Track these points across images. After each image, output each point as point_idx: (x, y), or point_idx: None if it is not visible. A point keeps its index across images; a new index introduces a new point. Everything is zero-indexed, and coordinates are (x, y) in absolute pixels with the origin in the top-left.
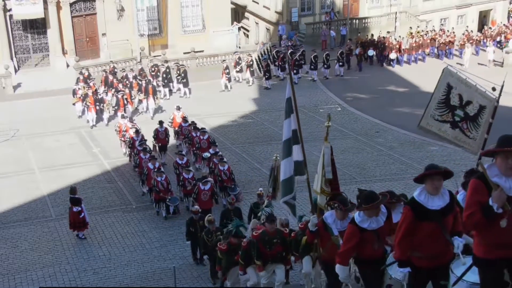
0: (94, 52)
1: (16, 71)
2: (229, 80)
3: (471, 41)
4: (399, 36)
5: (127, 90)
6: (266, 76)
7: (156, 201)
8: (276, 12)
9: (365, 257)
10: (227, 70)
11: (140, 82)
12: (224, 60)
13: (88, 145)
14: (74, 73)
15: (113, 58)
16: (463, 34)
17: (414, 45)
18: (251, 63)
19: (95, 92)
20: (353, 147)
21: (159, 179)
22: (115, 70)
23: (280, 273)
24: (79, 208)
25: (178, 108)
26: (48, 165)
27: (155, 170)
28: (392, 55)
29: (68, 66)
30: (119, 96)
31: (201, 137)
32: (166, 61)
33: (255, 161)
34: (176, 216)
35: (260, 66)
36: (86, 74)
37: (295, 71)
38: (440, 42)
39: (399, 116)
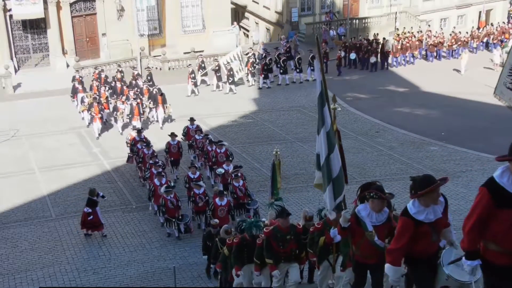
0: (94, 52)
1: (16, 71)
2: (195, 84)
3: (459, 43)
4: (383, 38)
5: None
6: (230, 81)
7: (167, 220)
8: (276, 12)
9: (416, 254)
10: (193, 75)
11: (150, 89)
12: (189, 65)
13: (88, 145)
14: (74, 73)
15: (113, 58)
16: (450, 35)
17: (398, 47)
18: (217, 68)
19: (106, 99)
20: (353, 147)
21: (168, 197)
22: (122, 74)
23: (294, 272)
24: (89, 210)
25: (192, 120)
26: (48, 165)
27: (165, 187)
28: (372, 59)
29: (68, 66)
30: (134, 104)
31: (218, 150)
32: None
33: (255, 161)
34: (187, 235)
35: (226, 69)
36: (97, 76)
37: (263, 76)
38: (429, 43)
39: (399, 116)
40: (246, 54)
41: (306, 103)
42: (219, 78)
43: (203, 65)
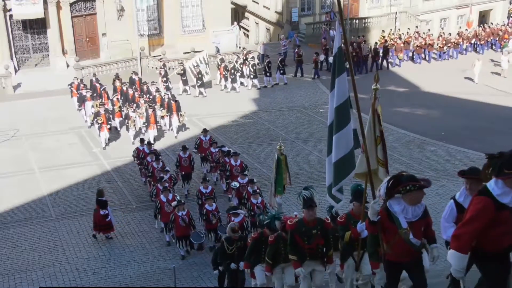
0: (94, 52)
1: (16, 71)
2: (167, 88)
3: (449, 45)
4: (364, 41)
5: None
6: (198, 84)
7: (178, 239)
8: (276, 12)
9: (488, 248)
10: (164, 78)
11: (163, 97)
12: (161, 68)
13: (88, 145)
14: (74, 73)
15: (113, 58)
16: (441, 36)
17: (379, 50)
18: (182, 71)
19: (119, 108)
20: None
21: (179, 213)
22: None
23: (318, 278)
24: (106, 212)
25: (205, 132)
26: (48, 165)
27: (176, 203)
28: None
29: (68, 66)
30: (150, 111)
31: (233, 163)
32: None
33: (255, 161)
34: (198, 252)
35: (192, 74)
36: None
37: (231, 79)
38: (416, 45)
39: (399, 116)
40: (220, 59)
41: (306, 103)
42: (185, 82)
43: (166, 68)
